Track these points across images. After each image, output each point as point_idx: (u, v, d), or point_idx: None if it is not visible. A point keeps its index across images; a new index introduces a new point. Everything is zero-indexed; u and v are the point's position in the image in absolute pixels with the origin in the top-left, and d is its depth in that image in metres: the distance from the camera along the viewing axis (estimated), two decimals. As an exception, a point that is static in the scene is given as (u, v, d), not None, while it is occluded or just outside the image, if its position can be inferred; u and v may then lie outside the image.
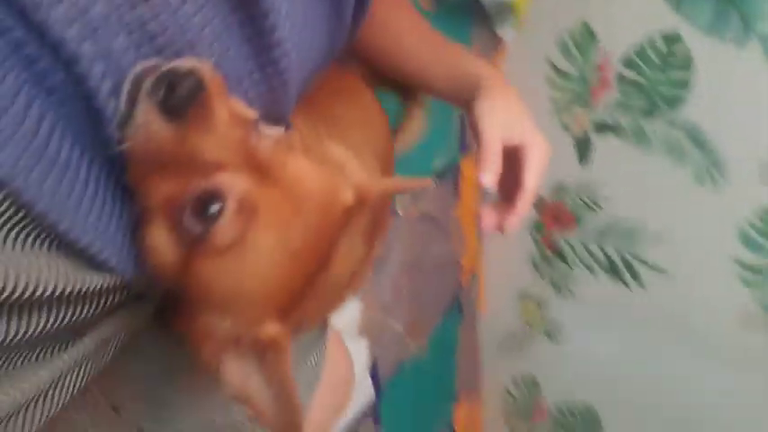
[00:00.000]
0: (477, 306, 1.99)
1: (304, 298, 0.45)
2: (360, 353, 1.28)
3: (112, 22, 0.38)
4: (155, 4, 0.40)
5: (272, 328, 0.43)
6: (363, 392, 1.34)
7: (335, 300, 0.54)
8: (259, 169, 0.41)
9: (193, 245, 0.41)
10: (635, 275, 1.69)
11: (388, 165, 0.88)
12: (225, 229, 0.40)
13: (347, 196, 0.45)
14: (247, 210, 0.40)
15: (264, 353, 0.43)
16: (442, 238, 1.59)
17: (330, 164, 0.48)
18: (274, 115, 0.50)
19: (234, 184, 0.40)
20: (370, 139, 0.80)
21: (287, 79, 0.50)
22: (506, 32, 1.53)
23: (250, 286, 0.42)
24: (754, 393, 1.59)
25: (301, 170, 0.43)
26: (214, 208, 0.39)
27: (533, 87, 1.65)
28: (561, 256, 1.81)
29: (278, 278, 0.42)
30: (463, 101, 0.75)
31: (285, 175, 0.42)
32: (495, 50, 1.59)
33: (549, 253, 1.83)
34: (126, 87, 0.39)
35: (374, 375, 1.38)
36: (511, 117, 0.71)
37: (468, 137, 1.61)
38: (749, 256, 1.47)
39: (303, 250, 0.43)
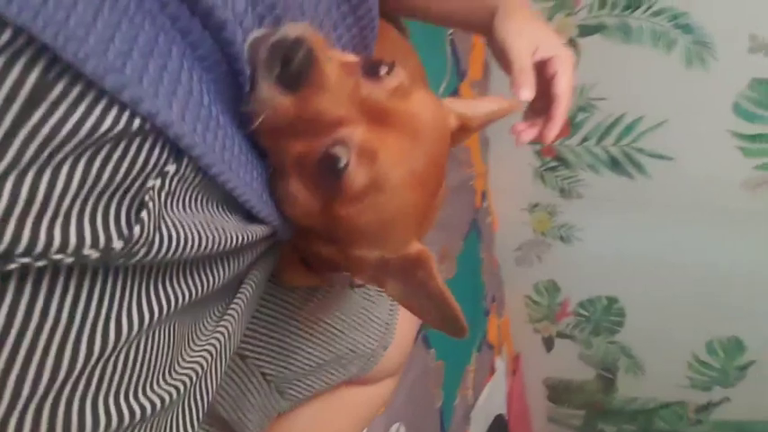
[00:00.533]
0: (491, 224, 2.07)
1: (430, 215, 0.50)
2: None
3: None
4: None
5: (414, 247, 0.49)
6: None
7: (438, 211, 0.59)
8: (375, 113, 0.45)
9: (331, 195, 0.45)
10: (638, 166, 1.77)
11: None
12: (354, 178, 0.44)
13: (453, 122, 0.50)
14: (368, 156, 0.44)
15: (415, 269, 0.48)
16: (454, 164, 1.65)
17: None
18: (365, 55, 0.54)
19: (352, 136, 0.44)
20: (413, 71, 0.84)
21: (374, 16, 0.54)
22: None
23: (391, 219, 0.47)
24: (759, 255, 1.70)
25: (415, 104, 0.47)
26: (341, 162, 0.44)
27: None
28: (564, 161, 1.87)
29: (412, 205, 0.47)
30: (483, 26, 0.78)
31: (401, 112, 0.46)
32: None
33: (551, 161, 1.89)
34: (245, 57, 0.43)
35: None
36: (536, 33, 0.74)
37: (462, 64, 1.64)
38: (746, 126, 1.55)
39: (426, 175, 0.48)
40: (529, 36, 0.73)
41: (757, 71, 1.49)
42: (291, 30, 0.43)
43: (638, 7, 1.55)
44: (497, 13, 0.74)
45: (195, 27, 0.38)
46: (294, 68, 0.42)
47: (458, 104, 0.54)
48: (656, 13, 1.53)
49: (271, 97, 0.43)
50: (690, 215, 1.74)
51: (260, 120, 0.43)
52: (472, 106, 0.58)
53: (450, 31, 1.54)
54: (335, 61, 0.45)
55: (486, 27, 0.75)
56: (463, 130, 0.52)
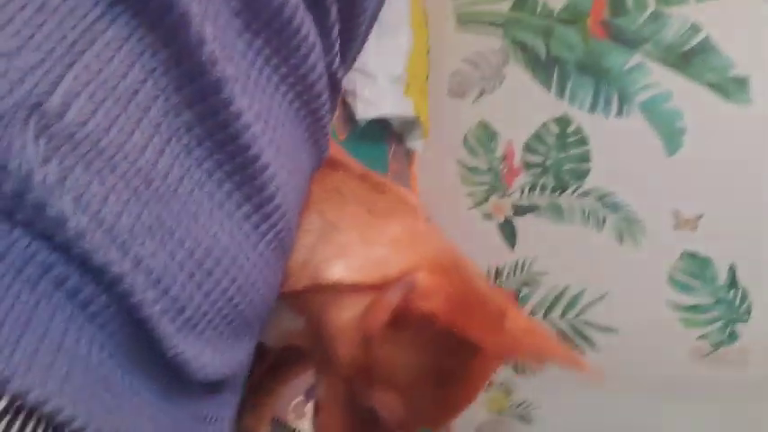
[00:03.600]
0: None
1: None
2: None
3: (140, 235, 0.39)
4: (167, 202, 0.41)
5: None
6: None
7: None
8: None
9: None
10: (586, 339, 1.76)
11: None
12: None
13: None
14: None
15: None
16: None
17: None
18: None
19: None
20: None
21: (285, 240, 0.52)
22: (416, 144, 1.64)
23: None
24: (712, 424, 1.67)
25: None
26: None
27: (450, 188, 1.75)
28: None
29: None
30: None
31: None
32: (409, 162, 1.68)
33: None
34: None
35: None
36: None
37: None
38: (683, 298, 1.59)
39: None
40: None
41: (686, 245, 1.56)
42: None
43: (565, 189, 1.64)
44: None
45: (87, 284, 0.36)
46: None
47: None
48: (584, 194, 1.62)
49: None
50: (640, 388, 1.71)
51: None
52: None
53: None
54: None
55: None
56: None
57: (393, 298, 0.48)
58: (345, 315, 0.51)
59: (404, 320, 0.47)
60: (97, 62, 0.36)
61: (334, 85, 0.56)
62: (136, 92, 0.38)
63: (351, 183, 0.59)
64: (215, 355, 0.45)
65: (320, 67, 0.51)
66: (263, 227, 0.48)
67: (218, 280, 0.44)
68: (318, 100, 0.53)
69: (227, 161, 0.44)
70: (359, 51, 0.64)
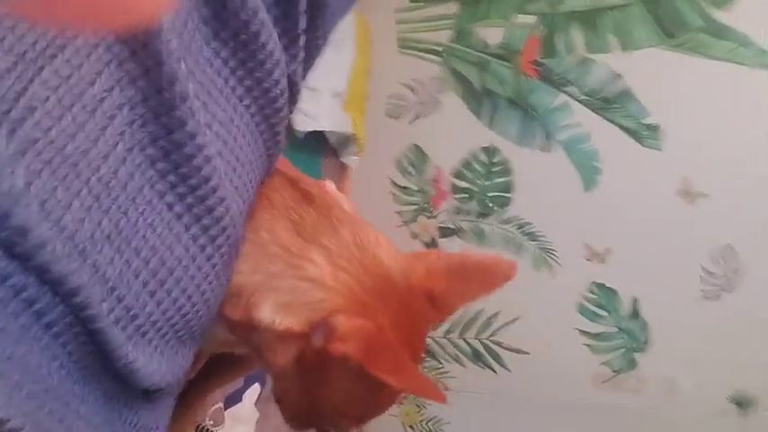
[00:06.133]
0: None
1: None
2: None
3: (99, 242, 0.40)
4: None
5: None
6: None
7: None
8: None
9: None
10: (498, 359, 1.84)
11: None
12: None
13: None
14: None
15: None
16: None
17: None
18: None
19: None
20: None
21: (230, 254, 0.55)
22: (350, 159, 1.68)
23: None
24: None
25: None
26: None
27: (381, 205, 1.80)
28: (429, 352, 1.91)
29: None
30: None
31: None
32: (342, 176, 1.72)
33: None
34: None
35: None
36: None
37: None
38: (590, 326, 1.69)
39: None
40: None
41: (595, 276, 1.66)
42: None
43: (488, 215, 1.72)
44: None
45: (43, 295, 0.36)
46: None
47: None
48: (505, 222, 1.70)
49: None
50: (547, 409, 1.80)
51: None
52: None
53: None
54: None
55: None
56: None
57: (317, 343, 0.53)
58: (280, 360, 0.56)
59: (326, 358, 0.53)
60: (67, 67, 0.36)
61: (293, 100, 0.57)
62: (102, 99, 0.38)
63: (284, 191, 0.61)
64: (162, 363, 0.46)
65: (283, 83, 0.52)
66: (211, 247, 0.49)
67: (170, 290, 0.45)
68: (278, 115, 0.54)
69: (181, 181, 0.44)
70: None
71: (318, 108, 1.42)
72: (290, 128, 1.40)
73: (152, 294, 0.43)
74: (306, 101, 1.38)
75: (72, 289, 0.36)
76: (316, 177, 1.56)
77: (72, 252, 0.37)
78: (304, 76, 0.61)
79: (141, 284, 0.42)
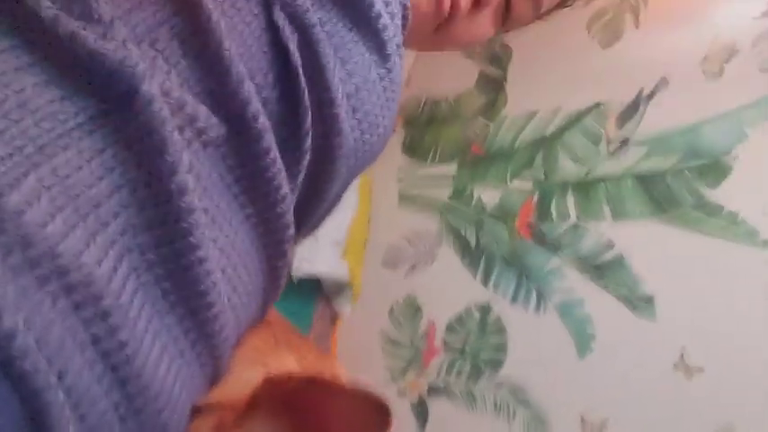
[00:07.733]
0: None
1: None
2: None
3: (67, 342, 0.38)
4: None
5: None
6: None
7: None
8: None
9: None
10: None
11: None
12: None
13: None
14: None
15: None
16: None
17: None
18: None
19: None
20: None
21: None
22: (343, 307, 1.66)
23: None
24: None
25: None
26: None
27: (369, 358, 1.75)
28: None
29: None
30: None
31: None
32: (333, 325, 1.69)
33: None
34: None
35: None
36: None
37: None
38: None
39: None
40: None
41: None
42: None
43: (480, 376, 1.66)
44: None
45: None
46: None
47: None
48: (498, 385, 1.64)
49: None
50: None
51: None
52: None
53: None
54: None
55: None
56: None
57: None
58: None
59: None
60: (65, 168, 0.37)
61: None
62: (98, 205, 0.38)
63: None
64: None
65: (289, 218, 0.54)
66: (201, 359, 0.48)
67: (143, 421, 0.41)
68: (283, 246, 0.56)
69: (175, 290, 0.43)
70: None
71: (316, 253, 1.43)
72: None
73: (122, 420, 0.40)
74: (304, 245, 1.39)
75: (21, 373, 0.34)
76: (307, 323, 1.54)
77: (43, 360, 0.35)
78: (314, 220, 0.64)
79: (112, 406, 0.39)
